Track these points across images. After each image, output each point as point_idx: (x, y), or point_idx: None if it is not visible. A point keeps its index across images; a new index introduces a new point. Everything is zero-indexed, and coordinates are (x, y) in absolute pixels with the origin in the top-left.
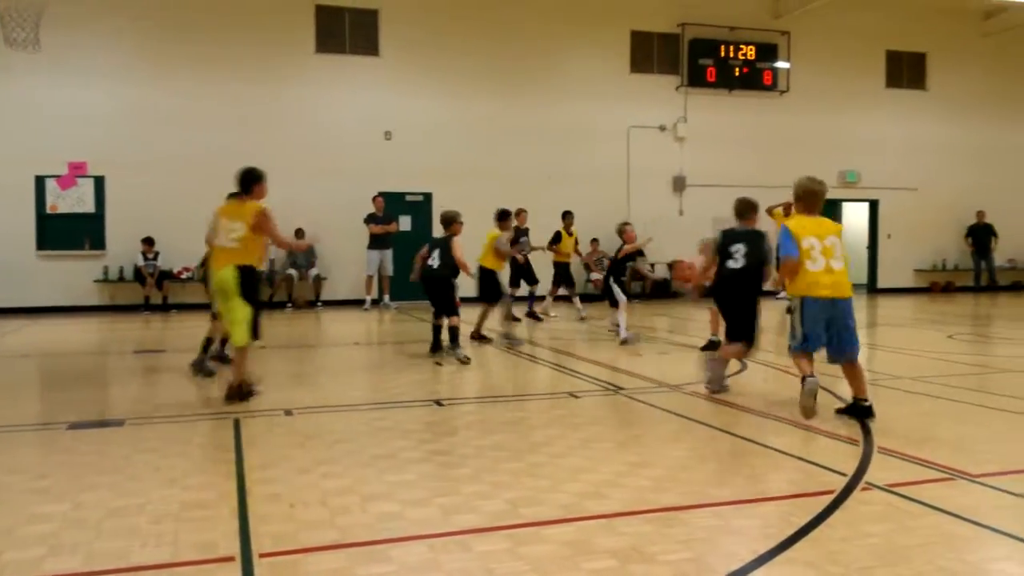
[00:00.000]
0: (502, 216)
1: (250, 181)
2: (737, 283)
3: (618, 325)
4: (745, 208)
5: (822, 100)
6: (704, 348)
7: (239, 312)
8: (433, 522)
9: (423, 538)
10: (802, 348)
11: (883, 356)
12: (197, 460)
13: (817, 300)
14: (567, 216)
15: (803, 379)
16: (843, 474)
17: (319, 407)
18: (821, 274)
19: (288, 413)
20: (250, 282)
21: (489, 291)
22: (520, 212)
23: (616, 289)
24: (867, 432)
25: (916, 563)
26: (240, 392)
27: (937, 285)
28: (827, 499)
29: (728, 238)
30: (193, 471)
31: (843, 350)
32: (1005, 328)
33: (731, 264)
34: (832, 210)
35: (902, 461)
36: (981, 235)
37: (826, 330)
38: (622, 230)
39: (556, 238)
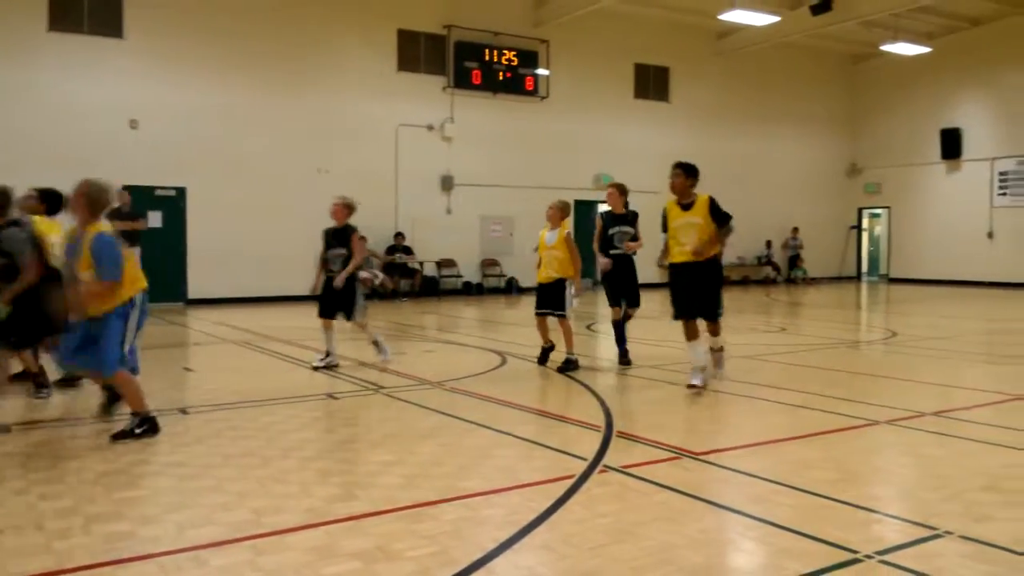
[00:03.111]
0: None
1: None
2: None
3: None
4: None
5: (578, 107)
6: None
7: None
8: (166, 539)
9: (153, 557)
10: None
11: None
12: None
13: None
14: None
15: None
16: (584, 459)
17: (43, 421)
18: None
19: (6, 430)
20: None
21: None
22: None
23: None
24: (610, 421)
25: (641, 538)
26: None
27: None
28: (568, 483)
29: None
30: None
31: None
32: (732, 318)
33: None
34: (588, 211)
35: (637, 444)
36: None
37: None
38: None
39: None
